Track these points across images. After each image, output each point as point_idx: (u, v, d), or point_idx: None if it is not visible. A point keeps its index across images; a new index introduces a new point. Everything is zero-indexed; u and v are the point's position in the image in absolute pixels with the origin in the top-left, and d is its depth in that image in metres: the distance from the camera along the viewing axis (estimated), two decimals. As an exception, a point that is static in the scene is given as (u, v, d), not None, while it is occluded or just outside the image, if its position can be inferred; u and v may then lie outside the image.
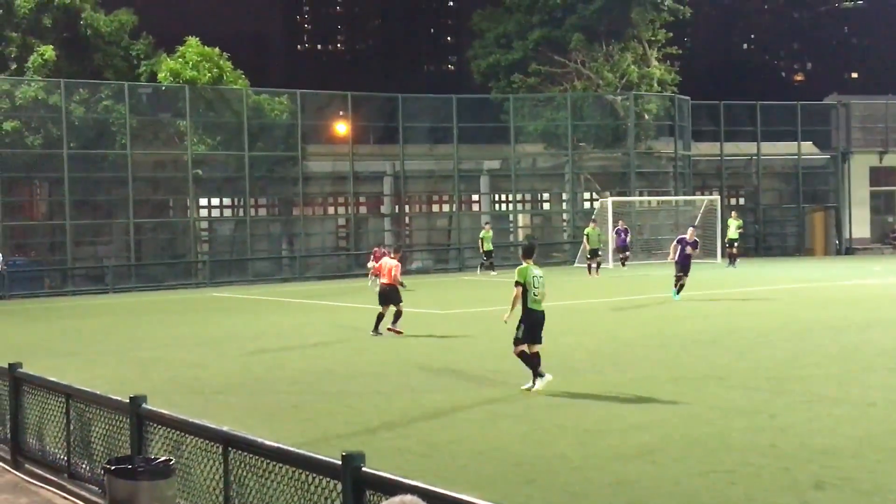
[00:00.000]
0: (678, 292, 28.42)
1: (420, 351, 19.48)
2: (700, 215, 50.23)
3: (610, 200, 46.89)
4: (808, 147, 57.42)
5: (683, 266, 28.36)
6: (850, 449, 10.85)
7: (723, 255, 46.28)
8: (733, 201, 56.64)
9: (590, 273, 39.99)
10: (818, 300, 28.25)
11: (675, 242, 29.34)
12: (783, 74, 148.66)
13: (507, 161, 51.17)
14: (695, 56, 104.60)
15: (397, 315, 21.83)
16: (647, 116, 53.01)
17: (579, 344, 19.77)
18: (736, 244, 45.08)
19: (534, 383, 14.61)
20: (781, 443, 11.19)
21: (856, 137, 58.76)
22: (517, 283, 14.64)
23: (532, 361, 14.73)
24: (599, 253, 40.83)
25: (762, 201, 55.75)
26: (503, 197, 53.01)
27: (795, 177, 56.53)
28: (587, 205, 52.02)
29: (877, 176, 58.23)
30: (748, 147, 55.67)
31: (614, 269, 41.40)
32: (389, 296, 22.10)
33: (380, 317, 21.99)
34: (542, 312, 14.79)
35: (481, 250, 43.75)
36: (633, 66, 53.17)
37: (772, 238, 56.93)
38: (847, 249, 56.21)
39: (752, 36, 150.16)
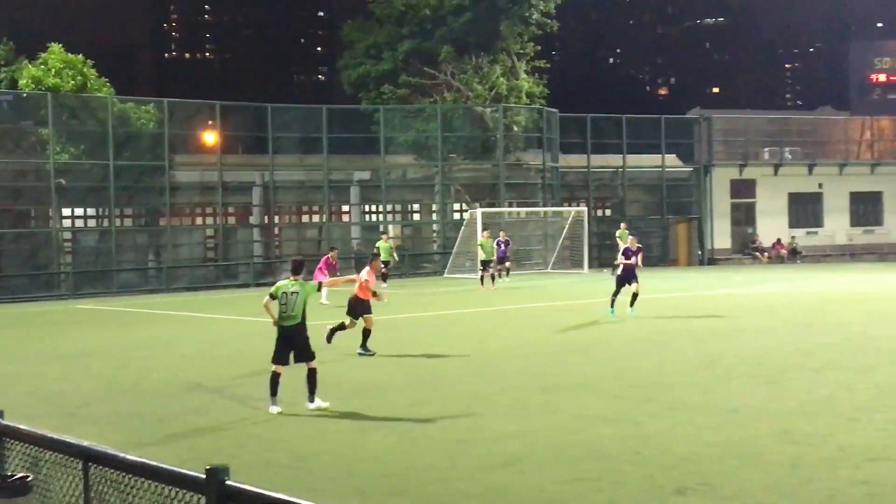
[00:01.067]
0: (612, 305, 26.46)
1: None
2: (567, 226, 51.07)
3: (479, 211, 47.21)
4: (671, 160, 58.73)
5: (628, 277, 26.56)
6: (711, 455, 11.10)
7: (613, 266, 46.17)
8: (600, 212, 57.64)
9: (482, 284, 39.31)
10: (682, 310, 28.85)
11: (620, 255, 27.44)
12: (648, 88, 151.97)
13: (378, 172, 51.19)
14: (563, 69, 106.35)
15: (339, 328, 20.49)
16: (515, 128, 53.58)
17: (450, 353, 19.83)
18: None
19: (312, 400, 14.33)
20: (645, 450, 11.39)
21: (717, 151, 60.39)
22: (269, 295, 14.56)
23: (312, 382, 14.38)
24: (492, 264, 40.56)
25: (628, 212, 56.74)
26: (373, 208, 52.97)
27: (660, 189, 57.74)
28: (457, 216, 52.29)
29: (737, 188, 59.84)
30: (614, 159, 56.68)
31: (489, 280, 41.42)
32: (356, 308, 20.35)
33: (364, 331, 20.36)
34: (292, 328, 14.42)
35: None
36: (502, 79, 53.69)
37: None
38: (709, 260, 57.66)
39: (619, 50, 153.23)
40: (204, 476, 5.93)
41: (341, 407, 14.40)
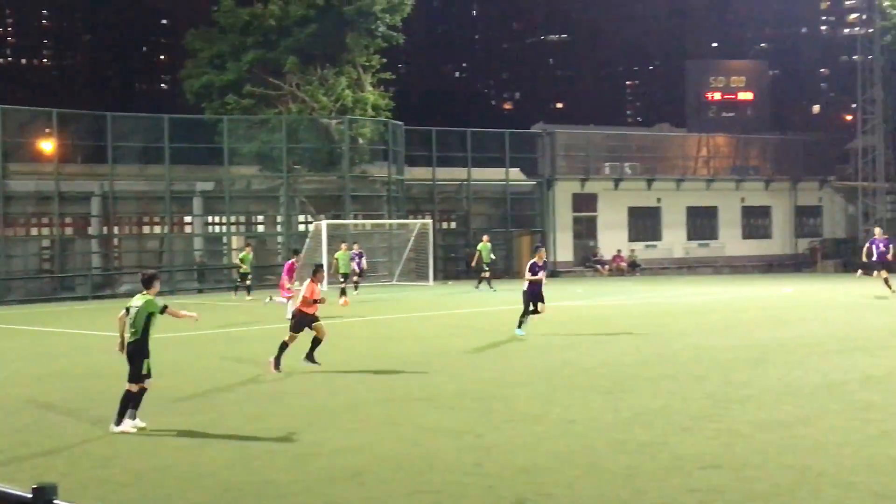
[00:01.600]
0: (520, 326, 24.48)
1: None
2: (413, 239, 51.24)
3: (324, 223, 47.02)
4: (515, 173, 59.52)
5: (534, 294, 24.43)
6: (550, 466, 11.24)
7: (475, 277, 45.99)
8: (445, 225, 58.03)
9: (345, 297, 38.26)
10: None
11: (527, 272, 24.68)
12: (493, 102, 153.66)
13: (221, 183, 50.51)
14: (409, 82, 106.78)
15: (283, 346, 19.44)
16: (361, 140, 53.52)
17: (290, 367, 19.63)
18: (488, 266, 45.22)
19: (119, 423, 13.68)
20: (486, 462, 11.46)
21: (560, 165, 61.48)
22: (125, 308, 14.17)
23: (124, 403, 13.80)
24: (350, 277, 39.80)
25: (472, 225, 57.27)
26: (217, 219, 52.27)
27: (504, 202, 58.44)
28: (302, 227, 52.00)
29: (579, 202, 61.00)
30: (459, 172, 57.13)
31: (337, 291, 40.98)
32: (298, 323, 19.63)
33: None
34: (131, 344, 13.95)
35: (239, 271, 42.00)
36: (347, 91, 53.56)
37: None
38: (552, 272, 58.47)
39: (465, 64, 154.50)
40: (30, 495, 5.74)
41: (179, 422, 14.13)
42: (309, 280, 19.86)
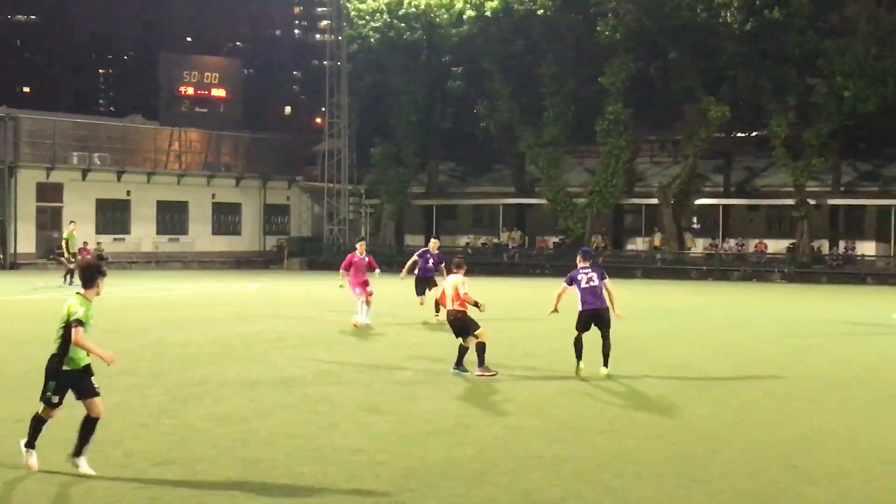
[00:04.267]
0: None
1: None
2: None
3: None
4: (-25, 159, 56.17)
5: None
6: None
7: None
8: None
9: None
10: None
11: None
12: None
13: None
14: None
15: (481, 348, 17.19)
16: None
17: None
18: (74, 258, 42.22)
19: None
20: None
21: (24, 152, 58.82)
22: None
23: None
24: None
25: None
26: None
27: (-42, 189, 54.97)
28: None
29: (44, 192, 58.73)
30: None
31: None
32: (464, 325, 17.47)
33: (463, 350, 17.56)
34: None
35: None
36: None
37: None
38: (12, 264, 55.89)
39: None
40: None
41: None
42: (459, 274, 17.81)
